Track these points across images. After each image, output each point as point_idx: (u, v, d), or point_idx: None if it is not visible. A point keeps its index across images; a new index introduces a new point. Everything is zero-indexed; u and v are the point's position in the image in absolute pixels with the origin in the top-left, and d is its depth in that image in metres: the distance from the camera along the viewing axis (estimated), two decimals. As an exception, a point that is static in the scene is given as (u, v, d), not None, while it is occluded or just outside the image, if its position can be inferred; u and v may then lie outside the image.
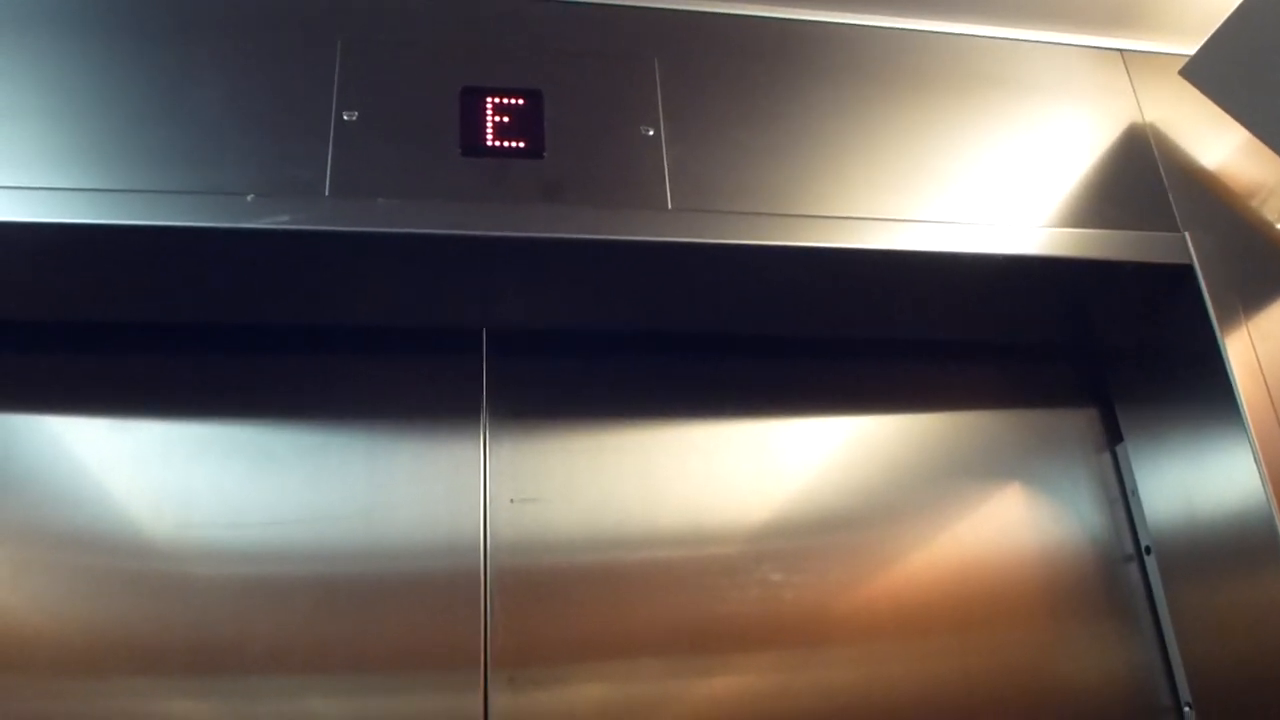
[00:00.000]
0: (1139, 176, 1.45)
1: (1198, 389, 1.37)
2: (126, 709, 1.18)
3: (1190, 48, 1.41)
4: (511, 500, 1.35)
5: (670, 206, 1.27)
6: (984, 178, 1.39)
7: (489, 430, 1.39)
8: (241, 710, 1.20)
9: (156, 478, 1.30)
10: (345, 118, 1.24)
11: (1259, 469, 1.24)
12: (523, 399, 1.42)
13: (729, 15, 1.43)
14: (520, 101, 1.29)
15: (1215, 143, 1.50)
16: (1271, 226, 1.45)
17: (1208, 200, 1.45)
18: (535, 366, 1.45)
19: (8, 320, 1.33)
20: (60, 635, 1.20)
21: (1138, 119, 1.50)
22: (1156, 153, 1.47)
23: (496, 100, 1.28)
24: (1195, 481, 1.38)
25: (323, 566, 1.28)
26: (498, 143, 1.27)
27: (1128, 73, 1.53)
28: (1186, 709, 1.39)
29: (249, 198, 1.17)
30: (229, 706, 1.20)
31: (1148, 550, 1.48)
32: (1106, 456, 1.56)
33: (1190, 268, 1.37)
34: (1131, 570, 1.49)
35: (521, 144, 1.27)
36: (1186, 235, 1.39)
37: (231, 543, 1.28)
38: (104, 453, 1.31)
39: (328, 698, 1.22)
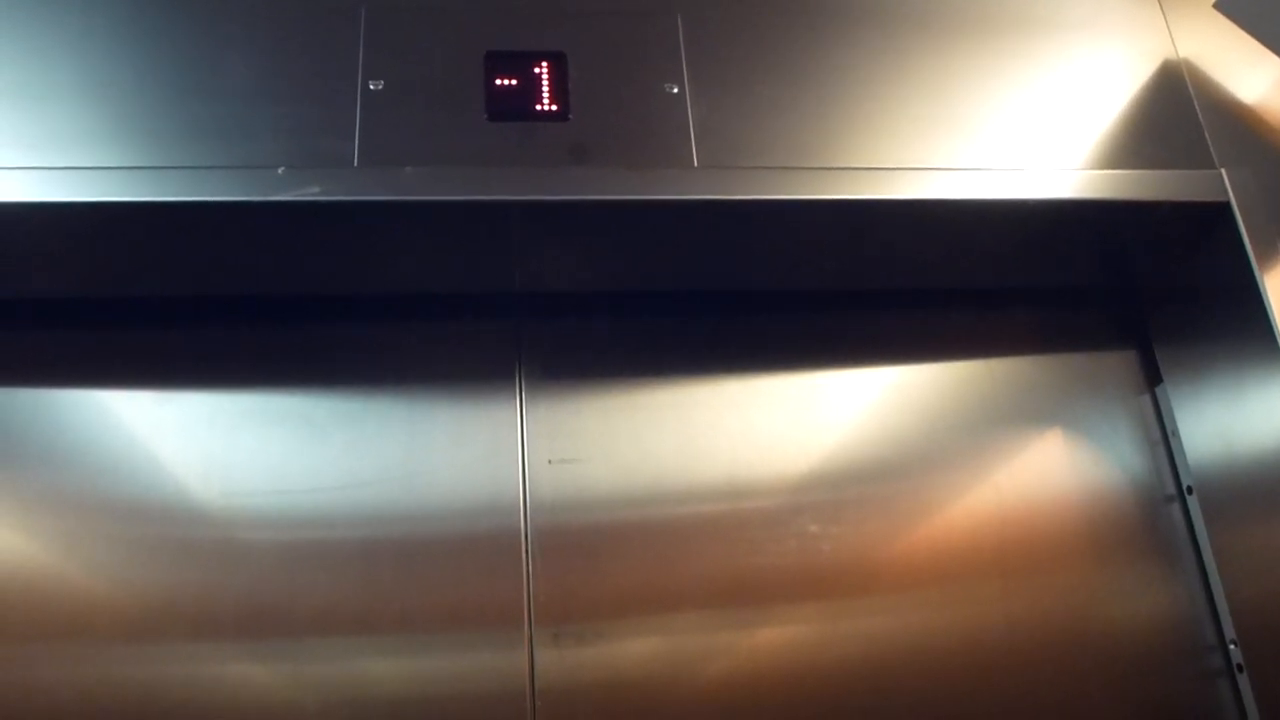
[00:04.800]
0: (1173, 114, 1.42)
1: (1237, 328, 1.35)
2: (182, 674, 1.22)
3: (1224, -21, 1.38)
4: (550, 461, 1.37)
5: (696, 164, 1.26)
6: (1015, 121, 1.37)
7: (525, 393, 1.41)
8: (294, 672, 1.24)
9: (202, 447, 1.33)
10: (371, 87, 1.25)
11: (1300, 406, 1.23)
12: (558, 361, 1.44)
13: (750, -32, 1.41)
14: (544, 64, 1.29)
15: (1251, 76, 1.46)
16: (1311, 161, 1.42)
17: (1244, 136, 1.42)
18: (570, 328, 1.47)
19: (52, 298, 1.37)
20: (115, 603, 1.24)
21: (1171, 55, 1.46)
22: (1191, 89, 1.44)
23: (521, 64, 1.28)
24: (1236, 420, 1.36)
25: (366, 530, 1.31)
26: (523, 106, 1.27)
27: (1160, 7, 1.49)
28: (1232, 646, 1.39)
29: (280, 170, 1.19)
30: (282, 669, 1.24)
31: (1189, 490, 1.47)
32: (1146, 398, 1.55)
33: (1227, 205, 1.34)
34: (1174, 511, 1.48)
35: (547, 107, 1.27)
36: (1223, 172, 1.36)
37: (277, 509, 1.31)
38: (151, 424, 1.34)
39: (377, 658, 1.25)
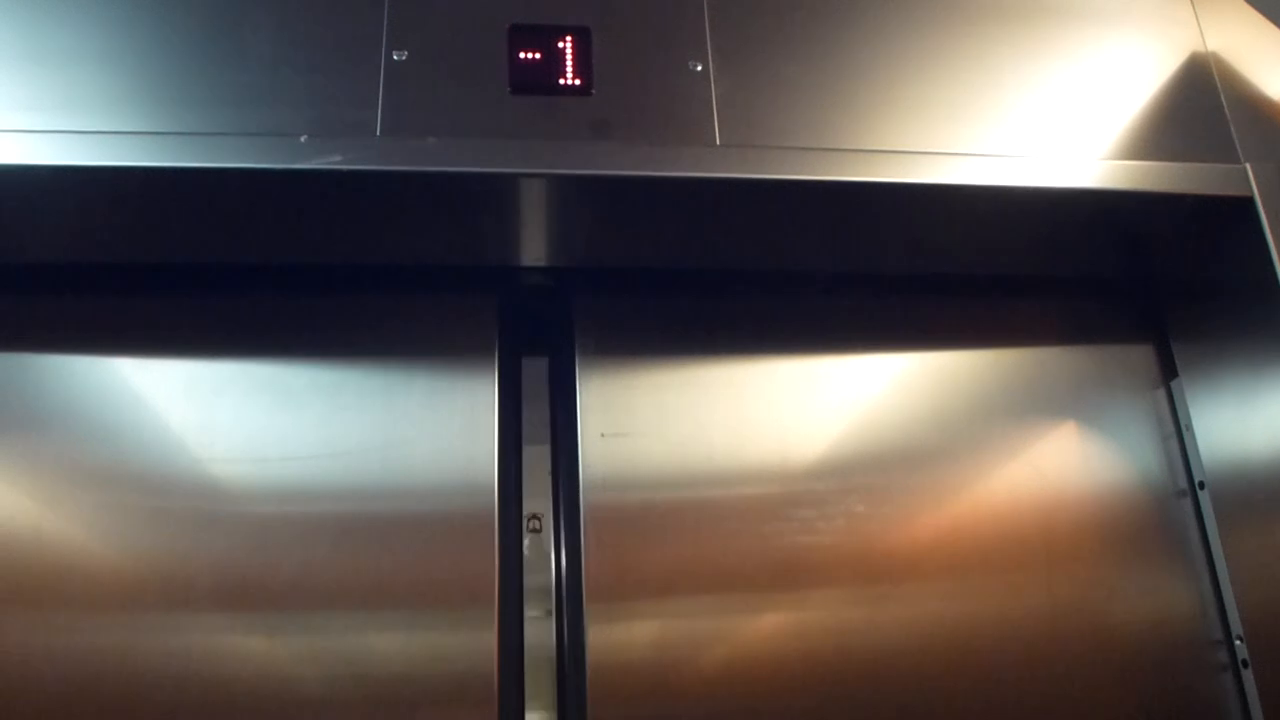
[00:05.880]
0: (1200, 107, 1.41)
1: (1255, 324, 1.35)
2: (155, 642, 1.22)
3: (1257, -29, 1.37)
4: (602, 435, 1.38)
5: (719, 142, 1.26)
6: (1040, 109, 1.36)
7: (579, 366, 1.42)
8: (270, 642, 1.24)
9: (180, 415, 1.33)
10: (395, 57, 1.25)
11: (1317, 404, 1.23)
12: (612, 336, 1.45)
13: (777, -53, 1.40)
14: (569, 38, 1.28)
15: (1280, 71, 1.45)
16: (1338, 158, 1.41)
17: (1270, 131, 1.41)
18: (624, 304, 1.48)
19: (33, 264, 1.36)
20: (90, 570, 1.24)
21: (1200, 48, 1.45)
22: (1219, 82, 1.43)
23: (545, 37, 1.28)
24: (1250, 417, 1.36)
25: (348, 504, 1.31)
26: (546, 80, 1.26)
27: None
28: (1238, 642, 1.39)
29: (302, 138, 1.19)
30: (258, 639, 1.24)
31: (1201, 485, 1.47)
32: (1161, 392, 1.55)
33: (1251, 200, 1.33)
34: (1185, 505, 1.48)
35: (570, 81, 1.27)
36: (1248, 167, 1.36)
37: (257, 477, 1.31)
38: (130, 391, 1.34)
39: (351, 631, 1.25)
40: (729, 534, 1.36)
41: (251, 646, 1.23)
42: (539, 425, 1.49)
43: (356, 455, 1.33)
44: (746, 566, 1.34)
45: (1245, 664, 1.38)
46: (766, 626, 1.33)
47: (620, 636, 1.29)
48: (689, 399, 1.43)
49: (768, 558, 1.35)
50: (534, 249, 1.42)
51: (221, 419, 1.33)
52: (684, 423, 1.41)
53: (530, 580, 1.71)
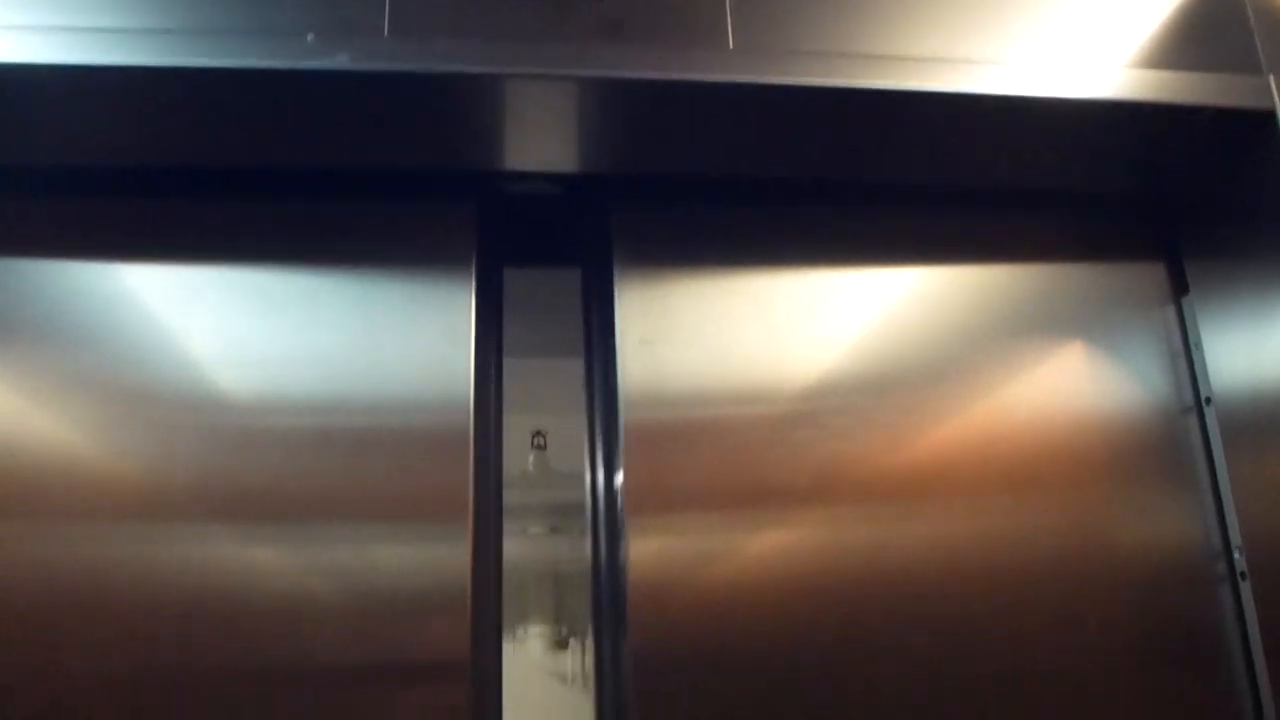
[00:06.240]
0: (1224, 16, 1.37)
1: (1270, 242, 1.33)
2: (129, 552, 1.22)
3: None
4: (641, 341, 1.37)
5: (732, 46, 1.24)
6: (1058, 16, 1.33)
7: (616, 273, 1.40)
8: (258, 551, 1.23)
9: (157, 319, 1.31)
10: (403, -46, 1.22)
11: (1329, 320, 1.22)
12: (650, 244, 1.44)
13: None
14: (580, -63, 1.25)
15: (1310, -20, 1.41)
16: (1362, 71, 1.38)
17: (1296, 43, 1.38)
18: (663, 212, 1.46)
19: (16, 165, 1.33)
20: (65, 476, 1.23)
21: (1226, -46, 1.41)
22: (1244, -10, 1.39)
23: (556, -66, 1.25)
24: (1261, 335, 1.36)
25: (327, 414, 1.30)
26: (557, -21, 1.24)
27: (1218, -100, 1.44)
28: (1236, 554, 1.41)
29: (309, 37, 1.16)
30: (250, 548, 1.23)
31: (1207, 401, 1.47)
32: (1170, 309, 1.54)
33: (1273, 114, 1.31)
34: (1190, 421, 1.49)
35: (581, -19, 1.24)
36: (1271, 79, 1.33)
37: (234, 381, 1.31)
38: (108, 295, 1.32)
39: (326, 543, 1.25)
40: (765, 443, 1.35)
41: (234, 554, 1.23)
42: (571, 337, 1.50)
43: (335, 362, 1.32)
44: (781, 476, 1.34)
45: (1244, 576, 1.39)
46: (798, 537, 1.33)
47: (656, 552, 1.29)
48: (725, 307, 1.41)
49: (798, 467, 1.35)
50: (552, 152, 1.39)
51: (200, 324, 1.31)
52: (720, 331, 1.40)
53: (534, 497, 1.73)
